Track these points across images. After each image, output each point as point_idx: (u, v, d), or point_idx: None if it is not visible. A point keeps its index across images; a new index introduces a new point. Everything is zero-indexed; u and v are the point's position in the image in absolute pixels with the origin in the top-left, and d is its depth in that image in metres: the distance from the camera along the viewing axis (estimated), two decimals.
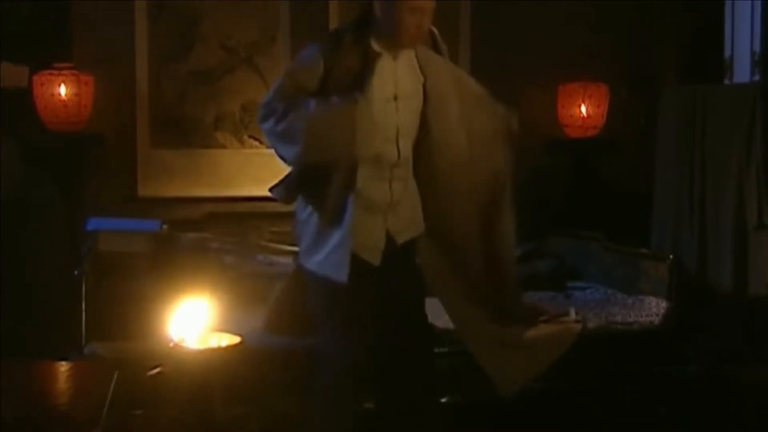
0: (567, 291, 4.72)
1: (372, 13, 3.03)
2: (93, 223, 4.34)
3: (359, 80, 2.97)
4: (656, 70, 5.46)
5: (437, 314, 3.39)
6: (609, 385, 4.08)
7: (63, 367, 2.15)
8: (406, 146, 3.10)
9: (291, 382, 3.65)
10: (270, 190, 3.15)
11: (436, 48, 3.20)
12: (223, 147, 5.10)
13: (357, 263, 3.00)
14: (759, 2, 4.98)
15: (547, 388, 3.93)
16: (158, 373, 1.73)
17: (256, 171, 5.09)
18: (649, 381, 4.11)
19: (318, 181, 2.99)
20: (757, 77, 4.98)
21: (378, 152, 3.02)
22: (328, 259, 3.01)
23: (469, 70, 5.40)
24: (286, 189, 3.12)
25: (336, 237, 2.99)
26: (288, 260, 4.79)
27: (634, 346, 4.16)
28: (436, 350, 3.36)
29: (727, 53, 5.26)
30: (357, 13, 3.14)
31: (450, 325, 3.46)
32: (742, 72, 5.14)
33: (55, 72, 4.63)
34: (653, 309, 4.27)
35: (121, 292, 3.93)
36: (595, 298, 4.59)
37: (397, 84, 3.06)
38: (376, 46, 3.03)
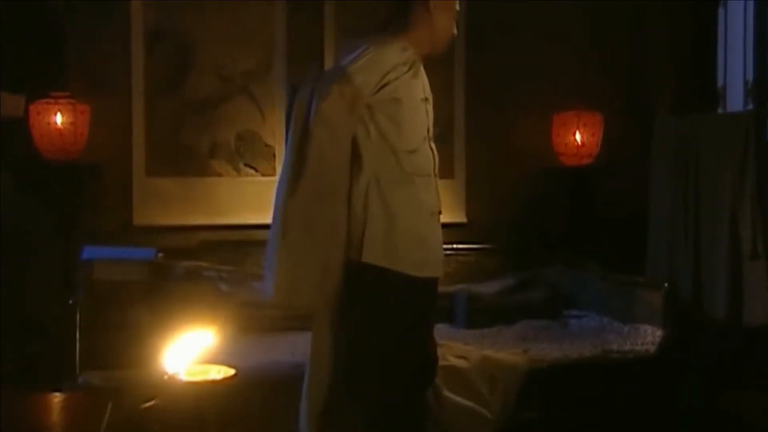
0: (563, 319, 4.73)
1: (404, 19, 3.13)
2: (88, 252, 4.34)
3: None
4: (650, 99, 5.50)
5: None
6: (605, 413, 4.07)
7: (57, 398, 2.13)
8: (434, 148, 3.19)
9: (286, 413, 3.65)
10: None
11: None
12: (219, 175, 5.11)
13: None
14: (752, 32, 5.02)
15: (543, 417, 3.92)
16: (152, 405, 1.72)
17: (252, 199, 5.10)
18: (644, 409, 4.10)
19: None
20: (750, 106, 5.02)
21: (417, 147, 3.09)
22: (427, 259, 3.07)
23: (464, 99, 5.47)
24: None
25: (423, 234, 3.05)
26: None
27: (630, 375, 4.16)
28: None
29: (720, 82, 5.29)
30: (381, 22, 3.22)
31: None
32: (736, 101, 5.18)
33: (52, 101, 4.64)
34: (649, 337, 4.27)
35: (116, 321, 3.92)
36: (591, 326, 4.59)
37: (424, 87, 3.19)
38: (412, 51, 3.11)
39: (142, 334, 3.54)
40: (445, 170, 5.45)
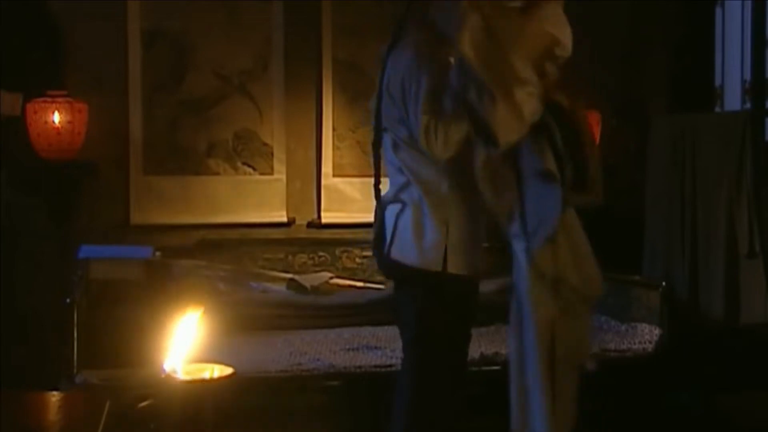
0: None
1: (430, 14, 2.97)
2: (85, 251, 4.33)
3: None
4: (647, 99, 5.50)
5: None
6: (602, 412, 4.07)
7: (54, 397, 2.13)
8: None
9: (284, 412, 3.65)
10: None
11: None
12: (217, 174, 5.10)
13: None
14: (749, 31, 5.02)
15: None
16: (150, 404, 1.72)
17: (249, 198, 5.10)
18: (642, 408, 4.10)
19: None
20: (747, 105, 5.02)
21: None
22: (474, 257, 2.98)
23: None
24: None
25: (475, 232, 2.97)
26: (281, 287, 4.79)
27: (628, 374, 4.16)
28: None
29: (717, 82, 5.30)
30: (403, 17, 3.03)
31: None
32: (733, 100, 5.18)
33: (49, 100, 4.63)
34: (646, 336, 4.27)
35: (113, 320, 3.92)
36: None
37: None
38: None
39: (139, 332, 3.54)
40: None
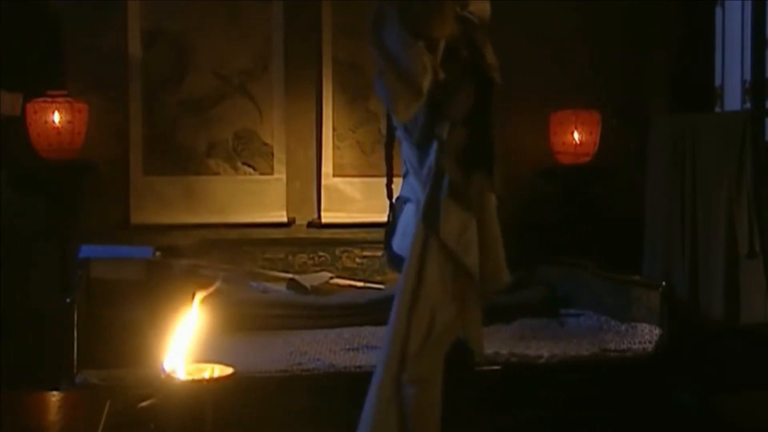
0: (560, 318, 4.72)
1: None
2: (85, 251, 4.34)
3: None
4: (647, 99, 5.50)
5: None
6: (602, 412, 4.08)
7: (54, 397, 2.13)
8: None
9: (284, 412, 3.65)
10: None
11: None
12: (217, 174, 5.11)
13: None
14: (749, 31, 5.02)
15: (541, 416, 3.92)
16: (150, 404, 1.72)
17: (249, 198, 5.10)
18: (642, 408, 4.11)
19: None
20: (747, 105, 5.02)
21: None
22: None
23: None
24: None
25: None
26: (281, 287, 4.79)
27: (628, 374, 4.16)
28: None
29: (717, 82, 5.30)
30: None
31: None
32: (733, 100, 5.18)
33: (49, 99, 4.64)
34: (646, 336, 4.26)
35: (113, 320, 3.92)
36: (589, 325, 4.59)
37: None
38: None
39: (139, 332, 3.54)
40: None
